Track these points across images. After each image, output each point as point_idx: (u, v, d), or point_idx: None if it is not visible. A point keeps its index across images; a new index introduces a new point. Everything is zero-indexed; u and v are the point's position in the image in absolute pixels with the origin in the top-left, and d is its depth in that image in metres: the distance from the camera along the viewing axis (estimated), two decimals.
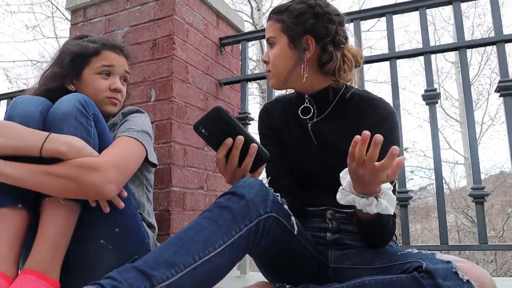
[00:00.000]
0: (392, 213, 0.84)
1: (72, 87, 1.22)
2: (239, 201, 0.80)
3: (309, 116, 1.09)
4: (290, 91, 1.20)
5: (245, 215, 0.79)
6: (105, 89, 1.21)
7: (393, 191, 0.93)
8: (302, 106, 1.10)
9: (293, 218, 0.91)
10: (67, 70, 1.20)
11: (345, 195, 0.86)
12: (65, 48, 1.25)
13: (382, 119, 1.02)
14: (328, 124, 1.07)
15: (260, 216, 0.81)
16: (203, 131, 0.88)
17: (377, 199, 0.82)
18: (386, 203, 0.82)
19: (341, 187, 0.87)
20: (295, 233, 0.92)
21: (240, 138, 0.87)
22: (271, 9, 1.16)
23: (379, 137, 0.74)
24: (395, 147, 0.75)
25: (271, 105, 1.20)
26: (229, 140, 0.87)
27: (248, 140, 0.88)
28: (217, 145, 0.89)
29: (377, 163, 0.76)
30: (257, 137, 1.07)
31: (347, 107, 1.07)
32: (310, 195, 1.08)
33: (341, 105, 1.07)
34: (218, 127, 0.87)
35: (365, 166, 0.76)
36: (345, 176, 0.85)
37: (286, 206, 0.90)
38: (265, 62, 1.10)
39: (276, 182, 1.10)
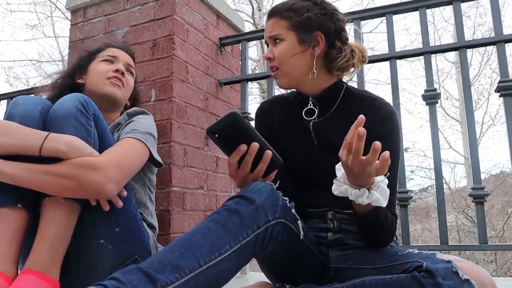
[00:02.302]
0: (384, 205, 0.84)
1: (81, 80, 1.32)
2: (248, 206, 0.79)
3: (312, 118, 1.09)
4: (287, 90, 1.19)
5: (253, 220, 0.78)
6: (107, 71, 1.28)
7: (392, 189, 0.92)
8: (306, 108, 1.09)
9: (299, 222, 0.90)
10: (76, 67, 1.33)
11: (338, 185, 0.86)
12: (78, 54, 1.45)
13: (384, 120, 1.02)
14: (329, 123, 1.07)
15: (269, 222, 0.80)
16: (216, 136, 0.86)
17: (369, 190, 0.82)
18: (378, 195, 0.82)
19: (336, 178, 0.87)
20: (302, 237, 0.91)
21: (255, 145, 0.85)
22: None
23: (362, 130, 0.75)
24: (385, 153, 0.76)
25: (268, 104, 1.19)
26: (243, 147, 0.85)
27: (262, 146, 0.86)
28: (230, 150, 0.87)
29: (363, 157, 0.77)
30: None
31: (348, 107, 1.07)
32: (310, 195, 1.08)
33: (343, 105, 1.08)
34: (232, 132, 0.85)
35: (353, 159, 0.78)
36: (340, 168, 0.86)
37: (293, 210, 0.89)
38: (269, 59, 1.07)
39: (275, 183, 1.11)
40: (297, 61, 1.04)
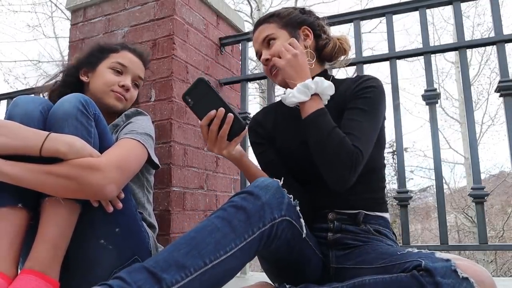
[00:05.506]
0: (299, 100, 1.00)
1: (86, 78, 1.29)
2: (254, 202, 0.80)
3: None
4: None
5: (259, 218, 0.79)
6: (113, 83, 1.26)
7: (364, 129, 0.99)
8: None
9: (302, 220, 0.91)
10: (84, 60, 1.29)
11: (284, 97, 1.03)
12: (89, 45, 1.34)
13: (365, 80, 1.06)
14: None
15: (274, 219, 0.81)
16: (189, 100, 0.97)
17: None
18: (295, 91, 1.00)
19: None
20: (304, 235, 0.92)
21: (222, 110, 0.95)
22: (271, 9, 1.19)
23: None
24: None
25: (259, 114, 1.26)
26: (213, 112, 0.95)
27: (227, 110, 0.95)
28: (201, 114, 0.97)
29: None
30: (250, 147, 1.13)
31: (336, 91, 1.09)
32: (311, 197, 1.08)
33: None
34: (201, 97, 0.96)
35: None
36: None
37: (298, 208, 0.90)
38: (267, 60, 1.12)
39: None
40: None
